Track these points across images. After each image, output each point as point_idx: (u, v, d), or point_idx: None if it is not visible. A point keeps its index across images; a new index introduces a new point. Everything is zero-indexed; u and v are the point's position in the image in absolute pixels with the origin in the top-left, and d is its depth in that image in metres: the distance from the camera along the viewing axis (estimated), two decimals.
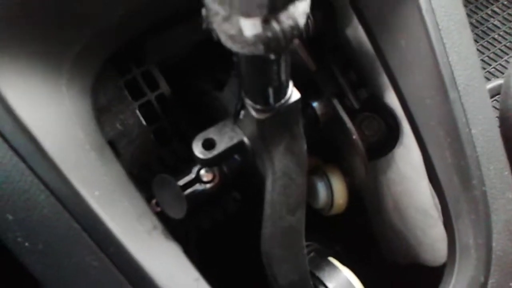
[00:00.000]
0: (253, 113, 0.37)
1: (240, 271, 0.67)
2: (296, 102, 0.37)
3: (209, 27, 0.27)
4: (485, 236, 0.48)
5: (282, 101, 0.36)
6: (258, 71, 0.32)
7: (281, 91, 0.36)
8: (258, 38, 0.26)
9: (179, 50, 0.61)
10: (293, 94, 0.37)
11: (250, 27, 0.26)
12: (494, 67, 1.55)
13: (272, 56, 0.29)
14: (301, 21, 0.27)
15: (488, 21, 1.65)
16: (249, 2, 0.25)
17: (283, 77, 0.33)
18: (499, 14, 1.67)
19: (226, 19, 0.26)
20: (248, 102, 0.37)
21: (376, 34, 0.50)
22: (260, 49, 0.27)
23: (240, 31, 0.26)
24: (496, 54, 1.58)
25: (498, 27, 1.64)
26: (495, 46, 1.60)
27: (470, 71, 0.48)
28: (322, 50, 0.58)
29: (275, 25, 0.26)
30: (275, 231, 0.43)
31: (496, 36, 1.62)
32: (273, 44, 0.27)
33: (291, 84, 0.37)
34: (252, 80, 0.34)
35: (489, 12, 1.67)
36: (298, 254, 0.46)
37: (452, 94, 0.47)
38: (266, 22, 0.26)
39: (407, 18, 0.48)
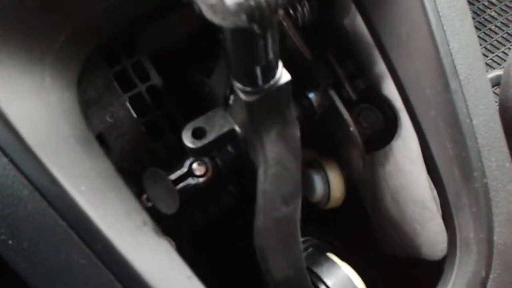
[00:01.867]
0: (242, 95, 0.36)
1: (234, 267, 0.65)
2: (286, 83, 0.36)
3: None
4: (486, 230, 0.47)
5: (272, 82, 0.35)
6: (244, 47, 0.31)
7: (270, 71, 0.34)
8: (240, 7, 0.25)
9: (170, 39, 0.59)
10: (283, 75, 0.36)
11: None
12: (491, 58, 1.54)
13: (257, 29, 0.28)
14: None
15: (484, 12, 1.64)
16: None
17: (270, 55, 0.32)
18: (495, 5, 1.66)
19: None
20: (237, 85, 0.36)
21: (375, 22, 0.48)
22: (243, 20, 0.26)
23: (221, 0, 0.25)
24: (493, 45, 1.57)
25: (495, 18, 1.63)
26: (492, 37, 1.59)
27: (472, 60, 0.47)
28: (318, 39, 0.56)
29: None
30: (268, 223, 0.42)
31: (493, 27, 1.61)
32: (256, 13, 0.25)
33: (280, 65, 0.35)
34: (238, 58, 0.33)
35: (486, 3, 1.66)
36: (293, 247, 0.44)
37: (453, 84, 0.46)
38: None
39: (407, 5, 0.46)
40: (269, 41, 0.30)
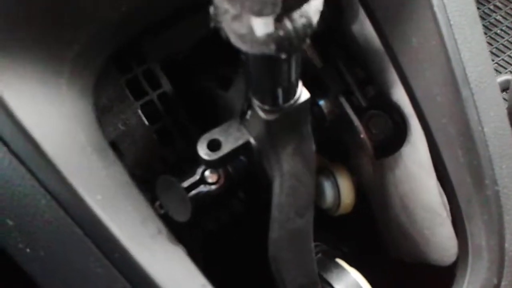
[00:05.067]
0: (261, 113, 0.36)
1: (246, 275, 0.66)
2: (305, 102, 0.36)
3: (217, 26, 0.26)
4: (497, 237, 0.47)
5: (291, 101, 0.35)
6: (268, 71, 0.31)
7: (291, 91, 0.35)
8: (270, 38, 0.25)
9: (181, 47, 0.59)
10: (303, 94, 0.36)
11: (262, 26, 0.25)
12: (496, 62, 1.54)
13: (283, 56, 0.28)
14: (315, 19, 0.26)
15: (490, 16, 1.64)
16: (262, 0, 0.23)
17: (293, 77, 0.32)
18: (501, 9, 1.66)
19: (236, 18, 0.25)
20: (255, 102, 0.36)
21: (386, 30, 0.48)
22: (271, 49, 0.26)
23: (251, 30, 0.25)
24: (499, 49, 1.57)
25: (501, 22, 1.63)
26: (497, 41, 1.58)
27: (482, 68, 0.47)
28: (328, 46, 0.56)
29: (287, 23, 0.25)
30: (283, 234, 0.42)
31: (498, 31, 1.61)
32: (285, 43, 0.26)
33: (300, 83, 0.35)
34: (261, 80, 0.33)
35: (491, 7, 1.66)
36: (307, 258, 0.45)
37: (464, 92, 0.46)
38: (278, 20, 0.25)
39: (418, 14, 0.47)
40: (293, 64, 0.31)
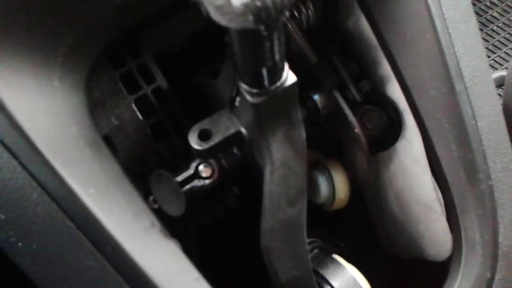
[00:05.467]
0: (248, 97, 0.36)
1: (241, 269, 0.65)
2: (292, 85, 0.36)
3: (196, 1, 0.26)
4: (491, 232, 0.47)
5: (278, 83, 0.35)
6: (250, 48, 0.31)
7: (276, 72, 0.35)
8: (246, 8, 0.25)
9: (175, 41, 0.59)
10: (289, 77, 0.36)
11: None
12: (493, 59, 1.54)
13: (264, 31, 0.28)
14: None
15: (487, 12, 1.64)
16: None
17: (277, 56, 0.32)
18: (498, 6, 1.66)
19: None
20: (243, 86, 0.36)
21: (380, 24, 0.48)
22: (249, 20, 0.26)
23: (228, 0, 0.25)
24: (495, 46, 1.57)
25: (497, 19, 1.63)
26: (494, 38, 1.59)
27: (476, 62, 0.47)
28: (323, 41, 0.56)
29: None
30: (274, 224, 0.42)
31: (495, 28, 1.61)
32: (262, 14, 0.26)
33: (286, 66, 0.35)
34: (245, 60, 0.33)
35: (488, 4, 1.66)
36: (299, 248, 0.44)
37: (458, 86, 0.46)
38: None
39: (412, 8, 0.47)
40: (276, 42, 0.31)
